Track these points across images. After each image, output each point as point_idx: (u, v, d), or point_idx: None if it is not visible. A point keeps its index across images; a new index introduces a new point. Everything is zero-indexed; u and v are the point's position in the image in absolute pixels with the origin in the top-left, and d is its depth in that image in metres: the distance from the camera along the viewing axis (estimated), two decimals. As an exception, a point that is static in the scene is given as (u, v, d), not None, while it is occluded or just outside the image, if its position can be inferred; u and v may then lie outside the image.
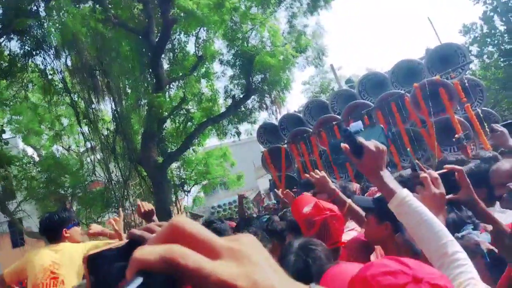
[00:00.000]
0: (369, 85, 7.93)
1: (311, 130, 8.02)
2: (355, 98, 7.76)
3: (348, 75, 22.12)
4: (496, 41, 13.01)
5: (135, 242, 0.66)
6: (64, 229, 2.74)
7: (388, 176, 1.42)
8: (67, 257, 2.60)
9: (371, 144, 1.41)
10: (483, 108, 7.14)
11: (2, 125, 12.84)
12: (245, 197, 6.40)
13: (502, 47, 12.85)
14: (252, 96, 14.11)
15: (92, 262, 0.65)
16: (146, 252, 0.36)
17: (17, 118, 16.23)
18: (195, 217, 19.83)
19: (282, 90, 13.79)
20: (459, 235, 1.68)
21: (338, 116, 7.89)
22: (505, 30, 12.75)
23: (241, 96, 13.96)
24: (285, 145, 8.37)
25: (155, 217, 2.41)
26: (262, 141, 9.16)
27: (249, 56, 12.62)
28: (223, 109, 14.68)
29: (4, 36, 10.43)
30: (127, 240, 0.69)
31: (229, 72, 14.67)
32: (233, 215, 20.75)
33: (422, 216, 1.32)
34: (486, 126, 6.90)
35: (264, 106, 14.30)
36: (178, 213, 13.08)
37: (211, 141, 19.36)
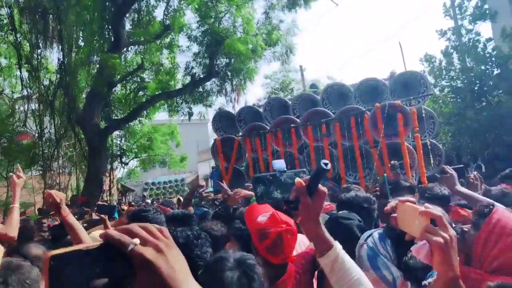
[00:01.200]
0: (333, 94, 7.93)
1: (268, 127, 7.87)
2: (317, 105, 7.73)
3: (310, 78, 22.44)
4: (449, 77, 13.77)
5: (110, 246, 0.61)
6: None
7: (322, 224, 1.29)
8: None
9: (323, 187, 1.26)
10: (431, 140, 7.45)
11: None
12: (201, 187, 6.11)
13: (453, 84, 13.64)
14: (213, 79, 13.69)
15: (56, 262, 0.58)
16: None
17: None
18: (126, 190, 18.97)
19: (244, 79, 13.51)
20: (426, 282, 1.56)
21: (297, 119, 7.81)
22: (459, 69, 13.54)
23: (202, 76, 13.47)
24: (239, 137, 8.14)
25: (64, 206, 2.13)
26: (217, 128, 8.84)
27: (218, 38, 12.17)
28: (179, 86, 14.09)
29: None
30: (100, 243, 0.63)
31: (194, 49, 14.08)
32: (165, 195, 20.15)
33: (353, 275, 1.24)
34: (431, 158, 7.26)
35: (224, 91, 13.93)
36: (110, 183, 12.34)
37: (159, 116, 18.53)
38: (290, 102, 8.39)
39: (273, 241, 2.11)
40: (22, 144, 13.09)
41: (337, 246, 1.27)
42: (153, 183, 19.96)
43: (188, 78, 13.78)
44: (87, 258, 0.60)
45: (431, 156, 7.13)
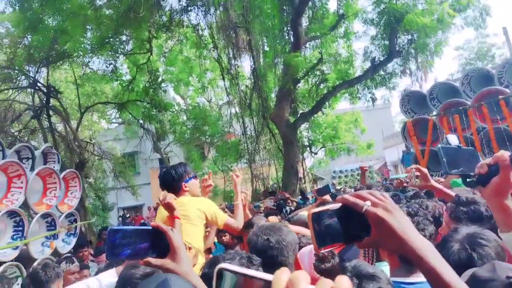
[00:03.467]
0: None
1: (469, 103, 6.99)
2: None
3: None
4: None
5: (346, 207, 0.82)
6: (183, 184, 2.76)
7: None
8: (190, 211, 2.61)
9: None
10: None
11: (161, 75, 14.62)
12: (366, 169, 6.14)
13: None
14: (395, 60, 13.00)
15: (316, 217, 0.80)
16: None
17: (170, 69, 18.32)
18: (316, 178, 20.05)
19: (431, 55, 12.31)
20: None
21: (506, 90, 6.67)
22: None
23: (382, 59, 12.97)
24: (434, 117, 7.52)
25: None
26: (405, 110, 8.41)
27: (397, 15, 11.47)
28: (359, 72, 13.97)
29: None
30: (340, 204, 0.82)
31: (371, 32, 13.68)
32: (355, 183, 20.34)
33: None
34: None
35: (408, 71, 13.03)
36: (303, 172, 13.34)
37: (341, 105, 18.80)
38: (493, 71, 7.22)
39: None
40: (229, 142, 15.61)
41: None
42: (340, 171, 20.52)
43: (368, 63, 13.51)
44: (333, 214, 0.80)
45: None
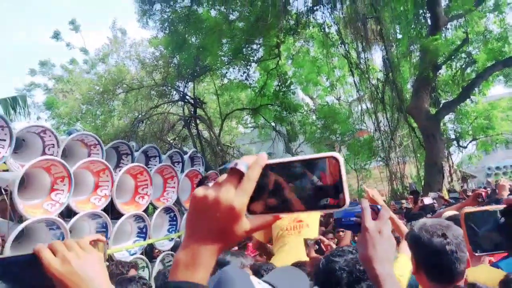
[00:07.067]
0: None
1: None
2: None
3: None
4: None
5: None
6: None
7: None
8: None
9: None
10: None
11: (290, 78, 15.04)
12: None
13: None
14: None
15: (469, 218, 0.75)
16: None
17: (298, 71, 18.65)
18: (466, 176, 17.64)
19: None
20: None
21: None
22: None
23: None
24: None
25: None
26: None
27: None
28: (517, 50, 11.78)
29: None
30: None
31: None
32: (516, 180, 17.02)
33: None
34: None
35: None
36: (450, 169, 11.90)
37: (494, 90, 16.13)
38: None
39: None
40: (362, 140, 15.00)
41: None
42: (497, 167, 17.37)
43: (529, 37, 11.30)
44: (493, 217, 0.72)
45: None
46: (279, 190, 0.57)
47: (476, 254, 0.76)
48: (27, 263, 0.74)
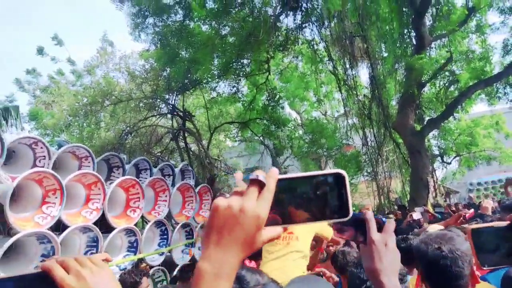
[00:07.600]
0: None
1: None
2: None
3: None
4: None
5: None
6: None
7: None
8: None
9: None
10: None
11: (278, 92, 15.19)
12: None
13: None
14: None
15: (475, 234, 0.81)
16: None
17: (285, 86, 18.84)
18: (450, 191, 18.00)
19: None
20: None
21: None
22: None
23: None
24: None
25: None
26: None
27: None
28: (497, 70, 12.24)
29: (283, 13, 12.04)
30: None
31: (511, 22, 11.92)
32: (496, 196, 17.53)
33: None
34: None
35: None
36: (434, 185, 12.14)
37: (476, 108, 16.67)
38: None
39: None
40: (348, 155, 15.19)
41: None
42: (478, 183, 17.80)
43: (508, 58, 11.80)
44: (498, 233, 0.77)
45: None
46: (288, 203, 0.62)
47: (484, 268, 0.81)
48: (37, 281, 0.68)
